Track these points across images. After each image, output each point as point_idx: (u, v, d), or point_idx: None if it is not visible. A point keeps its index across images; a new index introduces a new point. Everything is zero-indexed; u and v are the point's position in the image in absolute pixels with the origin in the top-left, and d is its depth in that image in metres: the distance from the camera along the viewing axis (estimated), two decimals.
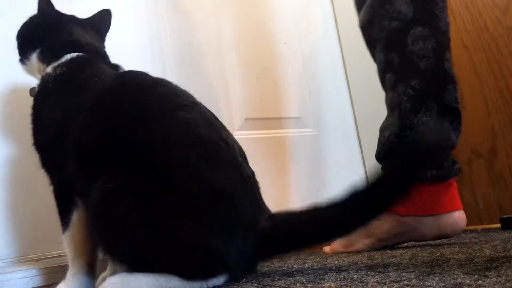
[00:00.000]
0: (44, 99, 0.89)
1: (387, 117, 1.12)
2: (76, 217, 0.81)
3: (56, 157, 0.83)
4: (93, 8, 1.05)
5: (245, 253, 0.74)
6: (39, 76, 0.95)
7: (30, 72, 0.99)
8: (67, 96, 0.86)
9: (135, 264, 0.71)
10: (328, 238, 0.83)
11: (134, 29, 1.09)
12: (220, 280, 0.72)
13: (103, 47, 1.03)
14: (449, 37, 1.07)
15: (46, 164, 0.86)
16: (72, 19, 1.01)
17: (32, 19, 1.00)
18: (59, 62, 0.91)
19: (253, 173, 0.84)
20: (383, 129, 1.11)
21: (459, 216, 1.04)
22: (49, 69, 0.91)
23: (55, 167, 0.84)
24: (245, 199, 0.77)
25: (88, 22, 1.03)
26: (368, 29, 1.12)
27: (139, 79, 0.87)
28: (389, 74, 1.07)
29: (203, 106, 0.86)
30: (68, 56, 0.92)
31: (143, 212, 0.70)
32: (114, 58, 0.98)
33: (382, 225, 1.04)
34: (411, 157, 0.78)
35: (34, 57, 0.96)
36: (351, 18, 1.23)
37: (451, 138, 1.04)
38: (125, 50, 1.01)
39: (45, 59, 0.94)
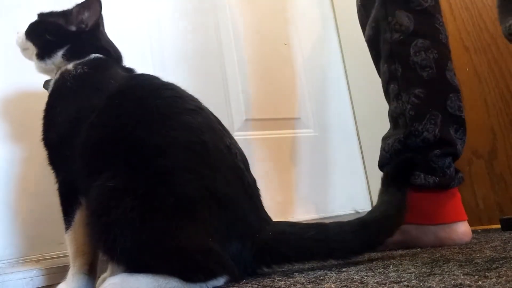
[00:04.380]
0: (60, 97, 0.88)
1: (389, 129, 1.12)
2: (79, 216, 0.81)
3: (64, 156, 0.83)
4: None
5: (244, 257, 0.75)
6: (54, 75, 0.93)
7: (45, 70, 0.96)
8: (83, 96, 0.86)
9: (134, 265, 0.71)
10: (328, 258, 0.82)
11: (135, 29, 1.10)
12: (220, 281, 0.72)
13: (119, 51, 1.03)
14: (450, 49, 1.09)
15: (54, 161, 0.86)
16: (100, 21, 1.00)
17: (59, 16, 0.96)
18: (81, 60, 0.91)
19: (254, 181, 0.85)
20: (386, 137, 1.12)
21: (463, 229, 1.01)
22: (70, 66, 0.91)
23: (62, 165, 0.84)
24: (245, 205, 0.78)
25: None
26: (374, 43, 1.14)
27: (148, 82, 0.88)
28: (393, 85, 1.08)
29: (208, 110, 0.86)
30: (91, 56, 0.93)
31: (142, 212, 0.70)
32: None
33: None
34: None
35: (59, 55, 0.93)
36: (351, 18, 1.23)
37: (457, 147, 1.04)
38: (126, 51, 1.01)
39: (71, 57, 0.93)
